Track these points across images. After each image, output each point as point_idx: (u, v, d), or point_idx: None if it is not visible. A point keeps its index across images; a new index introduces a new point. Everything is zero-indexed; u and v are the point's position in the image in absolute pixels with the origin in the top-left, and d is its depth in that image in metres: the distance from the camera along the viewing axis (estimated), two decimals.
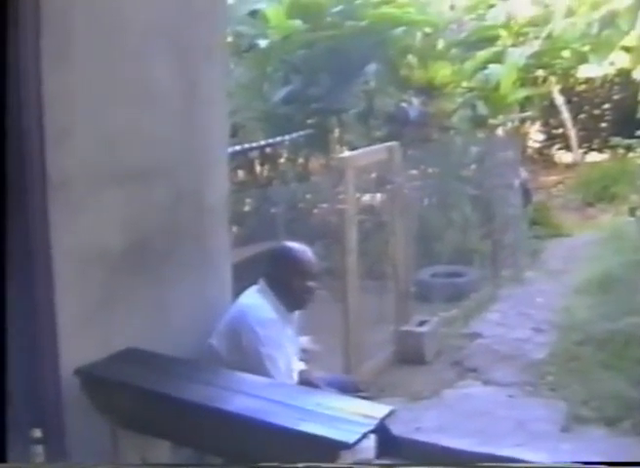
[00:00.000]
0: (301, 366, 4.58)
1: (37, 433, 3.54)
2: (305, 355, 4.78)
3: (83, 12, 3.89)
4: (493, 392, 6.11)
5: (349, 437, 3.19)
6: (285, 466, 3.19)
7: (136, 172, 4.18)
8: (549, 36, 12.63)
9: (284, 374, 4.27)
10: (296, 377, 4.43)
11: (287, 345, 4.42)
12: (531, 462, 4.75)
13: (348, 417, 3.35)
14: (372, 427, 3.31)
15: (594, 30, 12.83)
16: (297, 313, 4.62)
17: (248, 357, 4.21)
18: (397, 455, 4.78)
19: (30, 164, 3.64)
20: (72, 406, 3.86)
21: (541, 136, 16.14)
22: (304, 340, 4.84)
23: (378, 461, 4.16)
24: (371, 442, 4.26)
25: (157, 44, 4.36)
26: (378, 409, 3.51)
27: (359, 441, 3.21)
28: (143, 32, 4.28)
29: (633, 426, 5.35)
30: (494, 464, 4.61)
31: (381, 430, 4.05)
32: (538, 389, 6.09)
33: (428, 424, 5.53)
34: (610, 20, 12.65)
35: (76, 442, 3.90)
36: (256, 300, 4.43)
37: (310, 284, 4.52)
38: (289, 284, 4.46)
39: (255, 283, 4.58)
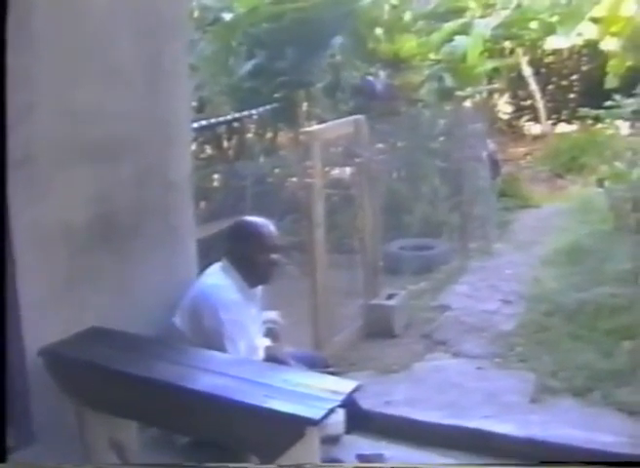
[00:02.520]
0: (267, 342, 4.55)
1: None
2: (274, 329, 4.75)
3: None
4: (462, 364, 6.12)
5: (316, 413, 3.18)
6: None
7: (100, 147, 4.13)
8: (518, 7, 12.60)
9: (245, 354, 4.24)
10: (262, 354, 4.41)
11: (250, 324, 4.39)
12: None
13: (315, 393, 3.34)
14: (338, 403, 3.30)
15: (563, 1, 12.83)
16: (260, 289, 4.59)
17: (209, 337, 4.19)
18: (366, 429, 4.80)
19: (4, 133, 3.56)
20: (38, 387, 3.83)
21: (510, 108, 16.14)
22: (273, 315, 4.81)
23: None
24: (340, 416, 4.28)
25: (120, 18, 4.30)
26: (344, 385, 3.49)
27: (325, 417, 3.19)
28: (107, 6, 4.22)
29: (602, 397, 5.37)
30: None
31: (350, 404, 4.06)
32: (507, 361, 6.10)
33: (398, 397, 5.53)
34: None
35: (43, 423, 3.87)
36: (218, 280, 4.40)
37: (273, 257, 4.49)
38: (252, 259, 4.43)
39: (221, 259, 4.55)
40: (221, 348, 4.15)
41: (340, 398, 3.32)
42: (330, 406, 3.24)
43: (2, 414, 3.12)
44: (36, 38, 3.84)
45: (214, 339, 4.18)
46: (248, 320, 4.37)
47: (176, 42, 4.72)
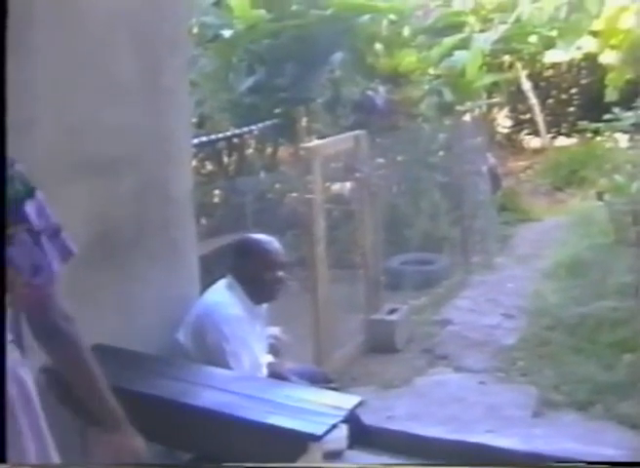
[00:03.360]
0: (270, 359, 4.55)
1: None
2: (276, 345, 4.76)
3: (45, 4, 3.84)
4: (464, 379, 6.11)
5: (318, 429, 3.18)
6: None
7: (99, 162, 4.13)
8: (517, 21, 12.64)
9: (249, 371, 4.24)
10: (265, 371, 4.41)
11: (254, 341, 4.40)
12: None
13: (317, 409, 3.34)
14: (340, 418, 3.30)
15: (562, 14, 12.88)
16: (264, 306, 4.60)
17: (212, 354, 4.19)
18: (369, 445, 4.79)
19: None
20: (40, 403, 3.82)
21: (509, 122, 16.17)
22: (275, 331, 4.82)
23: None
24: (342, 432, 4.28)
25: (121, 33, 4.32)
26: (347, 400, 3.50)
27: (328, 432, 3.20)
28: (107, 21, 4.23)
29: (605, 410, 5.37)
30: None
31: (353, 420, 4.06)
32: (509, 375, 6.10)
33: (400, 412, 5.52)
34: (578, 4, 12.70)
35: None
36: (222, 297, 4.40)
37: (280, 274, 4.50)
38: (258, 276, 4.43)
39: (224, 274, 4.56)
40: (225, 364, 4.15)
41: (343, 413, 3.33)
42: (332, 421, 3.24)
43: (2, 414, 3.12)
44: (36, 53, 3.85)
45: (217, 355, 4.18)
46: (252, 337, 4.38)
47: (176, 58, 4.74)
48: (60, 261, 2.41)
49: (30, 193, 2.39)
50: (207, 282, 4.69)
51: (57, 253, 2.40)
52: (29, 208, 2.35)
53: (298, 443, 3.17)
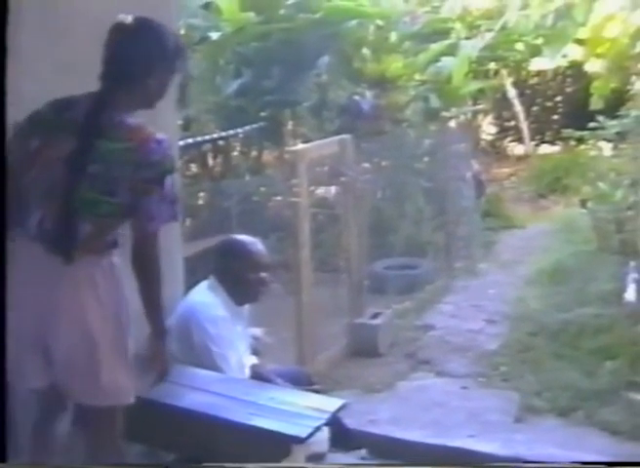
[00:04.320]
0: (253, 360, 4.56)
1: None
2: (259, 346, 4.76)
3: (30, 8, 3.84)
4: (446, 383, 6.12)
5: (302, 431, 3.19)
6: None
7: None
8: (503, 28, 12.68)
9: (236, 372, 4.25)
10: (248, 372, 4.41)
11: (238, 342, 4.41)
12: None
13: (301, 411, 3.36)
14: (324, 421, 3.31)
15: (549, 22, 12.91)
16: (247, 307, 4.60)
17: (199, 355, 4.19)
18: (350, 448, 4.80)
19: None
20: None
21: (494, 129, 16.20)
22: (257, 332, 4.82)
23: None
24: (324, 434, 4.28)
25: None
26: (330, 403, 3.52)
27: (311, 435, 3.21)
28: (93, 23, 4.22)
29: (586, 417, 5.39)
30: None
31: (335, 423, 4.06)
32: (491, 380, 6.12)
33: (382, 416, 5.52)
34: (565, 12, 12.74)
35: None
36: (206, 298, 4.41)
37: (262, 275, 4.51)
38: (241, 277, 4.44)
39: (207, 277, 4.56)
40: (212, 364, 4.15)
41: (326, 416, 3.34)
42: (316, 424, 3.26)
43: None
44: (20, 57, 3.85)
45: (204, 356, 4.18)
46: (235, 337, 4.38)
47: None
48: (168, 221, 3.21)
49: (173, 170, 3.20)
50: (190, 284, 4.69)
51: (169, 215, 3.19)
52: (169, 179, 3.13)
53: (281, 445, 3.18)
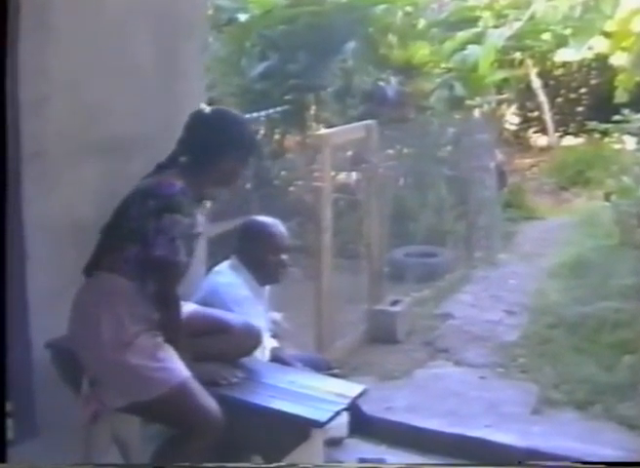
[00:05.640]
0: (274, 343, 4.56)
1: (7, 406, 3.50)
2: (278, 331, 4.77)
3: None
4: (464, 373, 6.12)
5: (322, 415, 3.19)
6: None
7: (112, 144, 4.14)
8: (531, 18, 12.60)
9: (257, 353, 4.25)
10: (267, 355, 4.41)
11: (260, 322, 4.40)
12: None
13: (321, 396, 3.36)
14: (344, 406, 3.31)
15: (576, 14, 12.83)
16: (267, 289, 4.61)
17: None
18: (368, 434, 4.81)
19: (4, 134, 3.57)
20: (43, 380, 3.84)
21: (517, 119, 16.12)
22: (277, 316, 4.83)
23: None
24: (344, 419, 4.29)
25: (137, 16, 4.33)
26: (350, 389, 3.51)
27: (331, 419, 3.21)
28: (124, 3, 4.24)
29: (604, 410, 5.38)
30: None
31: (353, 409, 4.07)
32: (509, 371, 6.10)
33: (399, 404, 5.53)
34: (593, 4, 12.65)
35: (47, 416, 3.88)
36: (229, 278, 4.42)
37: (283, 257, 4.52)
38: (262, 258, 4.46)
39: (227, 258, 4.56)
40: None
41: (347, 401, 3.34)
42: (336, 408, 3.25)
43: (1, 413, 3.14)
44: (53, 32, 3.86)
45: None
46: (258, 317, 4.38)
47: (191, 42, 4.75)
48: (165, 255, 3.44)
49: (174, 211, 3.45)
50: (211, 265, 4.70)
51: (165, 249, 3.44)
52: (167, 217, 3.44)
53: (301, 428, 3.18)
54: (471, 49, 10.54)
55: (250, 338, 3.93)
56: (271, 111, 9.28)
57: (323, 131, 7.47)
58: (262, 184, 8.89)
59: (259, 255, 4.46)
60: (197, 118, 3.68)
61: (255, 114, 9.20)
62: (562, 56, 14.38)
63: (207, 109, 3.67)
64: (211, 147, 3.61)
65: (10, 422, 3.47)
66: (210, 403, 3.38)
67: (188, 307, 3.87)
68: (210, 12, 7.94)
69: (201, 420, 3.34)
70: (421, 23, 10.64)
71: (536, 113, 15.59)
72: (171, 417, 3.44)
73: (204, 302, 4.27)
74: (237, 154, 3.67)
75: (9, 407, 3.44)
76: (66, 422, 3.74)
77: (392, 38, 9.89)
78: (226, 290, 4.33)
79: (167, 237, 3.42)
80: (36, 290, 3.85)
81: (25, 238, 3.80)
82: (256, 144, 3.80)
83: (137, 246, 3.48)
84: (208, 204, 3.84)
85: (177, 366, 3.45)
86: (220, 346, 3.80)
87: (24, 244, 3.79)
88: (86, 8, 3.98)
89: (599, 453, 4.75)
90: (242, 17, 9.32)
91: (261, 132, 10.02)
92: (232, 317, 3.98)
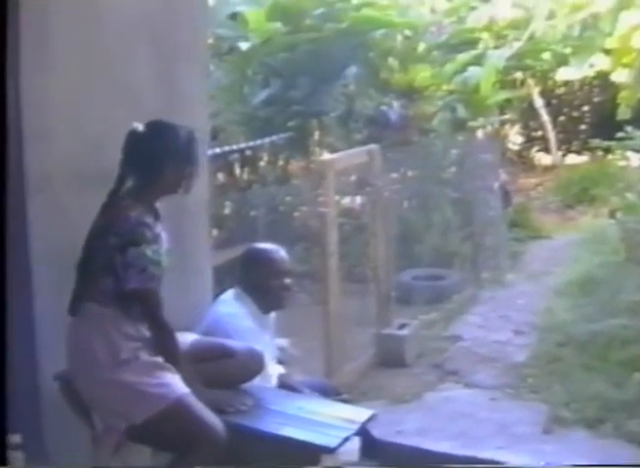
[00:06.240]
0: (280, 369, 4.55)
1: (16, 438, 3.50)
2: (285, 357, 4.76)
3: (62, 13, 3.87)
4: (474, 394, 6.10)
5: (331, 441, 3.19)
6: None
7: (115, 172, 4.14)
8: (530, 38, 12.65)
9: (263, 381, 4.24)
10: (275, 382, 4.41)
11: (265, 351, 4.40)
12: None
13: (330, 422, 3.35)
14: (353, 431, 3.30)
15: (575, 32, 12.87)
16: (273, 316, 4.61)
17: None
18: (379, 459, 4.79)
19: (7, 164, 3.59)
20: (51, 411, 3.84)
21: (521, 139, 16.15)
22: (284, 342, 4.82)
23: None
24: (355, 445, 4.27)
25: (138, 45, 4.35)
26: (359, 413, 3.51)
27: (341, 445, 3.20)
28: (124, 33, 4.26)
29: (615, 428, 5.35)
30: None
31: (363, 433, 4.05)
32: (519, 391, 6.09)
33: (410, 427, 5.51)
34: (591, 22, 12.69)
35: (56, 447, 3.87)
36: (232, 308, 4.41)
37: (286, 281, 4.52)
38: (264, 284, 4.46)
39: (234, 286, 4.57)
40: None
41: (356, 426, 3.33)
42: (345, 434, 3.25)
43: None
44: (54, 63, 3.88)
45: None
46: (262, 346, 4.38)
47: (193, 71, 4.76)
48: (137, 286, 3.52)
49: (138, 243, 3.51)
50: (217, 293, 4.71)
51: (136, 281, 3.52)
52: (132, 250, 3.49)
53: (311, 455, 3.17)
54: (472, 70, 10.57)
55: (253, 363, 3.95)
56: (275, 138, 9.32)
57: (327, 156, 7.49)
58: (268, 211, 8.91)
59: (260, 282, 4.46)
60: (132, 136, 3.67)
61: (259, 141, 9.24)
62: (563, 74, 14.40)
63: (139, 126, 3.66)
64: (152, 160, 3.64)
65: (19, 454, 3.49)
66: (211, 417, 3.41)
67: (189, 337, 3.88)
68: (210, 41, 8.01)
69: (203, 435, 3.36)
70: (421, 47, 10.69)
71: (539, 132, 15.63)
72: (173, 435, 3.45)
73: (207, 332, 4.27)
74: (177, 161, 3.68)
75: (17, 438, 3.45)
76: (76, 452, 3.74)
77: (393, 62, 9.94)
78: (228, 320, 4.33)
79: (137, 269, 3.48)
80: (43, 319, 3.85)
81: (31, 269, 3.81)
82: (193, 147, 3.74)
83: (110, 279, 3.53)
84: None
85: (174, 382, 3.48)
86: (223, 371, 3.82)
87: (31, 274, 3.80)
88: (85, 35, 4.00)
89: None
90: (243, 45, 9.37)
91: (265, 158, 10.06)
92: (234, 342, 3.99)
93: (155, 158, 3.65)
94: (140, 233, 3.51)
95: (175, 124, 3.75)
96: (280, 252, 4.61)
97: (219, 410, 3.50)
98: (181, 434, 3.41)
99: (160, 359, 3.54)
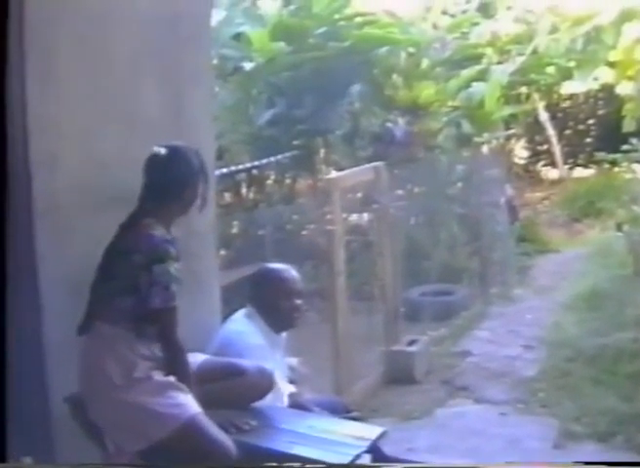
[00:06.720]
0: (291, 388, 4.56)
1: (27, 460, 3.51)
2: (295, 376, 4.76)
3: (68, 36, 3.90)
4: (484, 410, 6.11)
5: (342, 459, 3.19)
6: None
7: (124, 196, 4.15)
8: (534, 52, 12.68)
9: (273, 400, 4.25)
10: (286, 400, 4.41)
11: (275, 370, 4.40)
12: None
13: (340, 440, 3.36)
14: (364, 449, 3.31)
15: (579, 46, 12.91)
16: (284, 335, 4.62)
17: None
18: None
19: (15, 189, 3.62)
20: (62, 433, 3.84)
21: (527, 153, 16.17)
22: (294, 361, 4.83)
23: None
24: (366, 462, 4.27)
25: (143, 67, 4.37)
26: (369, 431, 3.51)
27: (352, 463, 3.20)
28: (130, 56, 4.29)
29: (625, 441, 5.35)
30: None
31: (374, 451, 4.05)
32: (529, 406, 6.09)
33: (420, 444, 5.51)
34: (594, 36, 12.73)
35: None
36: (243, 327, 4.43)
37: (297, 302, 4.53)
38: (275, 304, 4.47)
39: (243, 305, 4.58)
40: None
41: (366, 444, 3.33)
42: (356, 452, 3.25)
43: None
44: (60, 87, 3.91)
45: None
46: (273, 365, 4.38)
47: (198, 90, 4.79)
48: (161, 303, 3.58)
49: (163, 261, 3.58)
50: (226, 313, 4.72)
51: (161, 299, 3.57)
52: (157, 268, 3.56)
53: None
54: (476, 86, 10.58)
55: (263, 381, 3.99)
56: (281, 157, 9.34)
57: (333, 174, 7.50)
58: (275, 229, 8.93)
59: (272, 301, 4.47)
60: (154, 159, 3.77)
61: (264, 160, 9.27)
62: (568, 88, 14.45)
63: (161, 149, 3.76)
64: (174, 182, 3.76)
65: None
66: (223, 437, 3.43)
67: (199, 357, 3.90)
68: (215, 61, 8.03)
69: (215, 455, 3.38)
70: (425, 63, 10.70)
71: (545, 146, 15.65)
72: (185, 455, 3.46)
73: (218, 350, 4.29)
74: (193, 182, 3.82)
75: (28, 460, 3.46)
76: None
77: (397, 79, 9.96)
78: (239, 338, 4.34)
79: (161, 287, 3.54)
80: (53, 342, 3.86)
81: (41, 291, 3.82)
82: (205, 166, 3.90)
83: (131, 298, 3.57)
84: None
85: (187, 401, 3.51)
86: (233, 390, 3.85)
87: (40, 297, 3.82)
88: (91, 61, 4.03)
89: None
90: (247, 65, 9.40)
91: (272, 177, 10.08)
92: (244, 361, 4.01)
93: (177, 180, 3.76)
94: (164, 250, 3.58)
95: (186, 146, 3.88)
96: (291, 271, 4.63)
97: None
98: (193, 453, 3.42)
99: (172, 378, 3.56)
